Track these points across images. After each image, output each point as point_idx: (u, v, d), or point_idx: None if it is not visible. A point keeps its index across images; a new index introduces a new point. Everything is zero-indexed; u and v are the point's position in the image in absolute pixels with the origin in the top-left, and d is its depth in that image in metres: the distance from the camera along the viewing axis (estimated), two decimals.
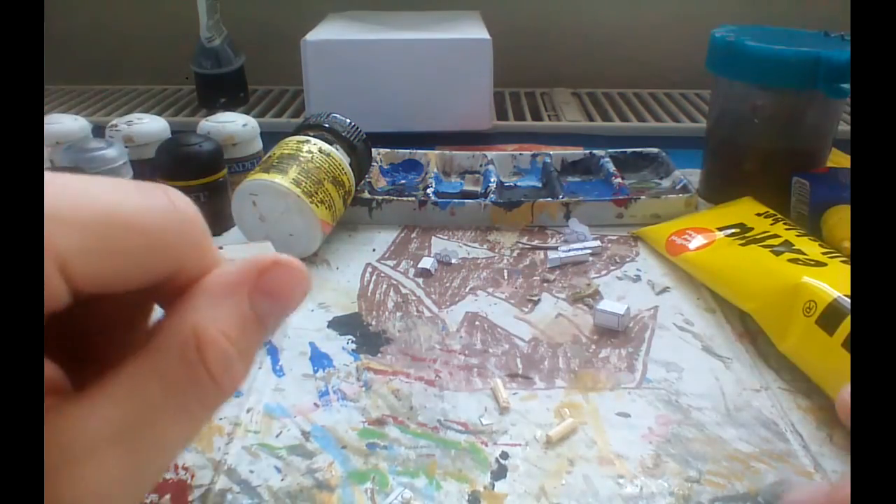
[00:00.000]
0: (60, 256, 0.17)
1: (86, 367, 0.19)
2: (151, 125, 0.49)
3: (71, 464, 0.17)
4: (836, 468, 0.27)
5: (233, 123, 0.49)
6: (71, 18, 0.94)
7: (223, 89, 0.78)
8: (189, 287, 0.20)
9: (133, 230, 0.18)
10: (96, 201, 0.18)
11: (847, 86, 0.44)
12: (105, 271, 0.18)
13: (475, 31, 0.69)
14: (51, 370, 0.19)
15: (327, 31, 0.69)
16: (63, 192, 0.17)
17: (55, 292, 0.17)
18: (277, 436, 0.29)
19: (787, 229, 0.40)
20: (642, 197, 0.48)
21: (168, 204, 0.19)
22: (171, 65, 0.91)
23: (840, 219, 0.42)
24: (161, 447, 0.19)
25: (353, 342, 0.35)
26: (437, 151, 0.56)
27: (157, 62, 0.94)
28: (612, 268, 0.42)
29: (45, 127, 0.48)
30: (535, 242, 0.46)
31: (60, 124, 0.48)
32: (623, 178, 0.52)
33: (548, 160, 0.55)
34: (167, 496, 0.26)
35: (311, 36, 0.66)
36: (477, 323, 0.37)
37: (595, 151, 0.56)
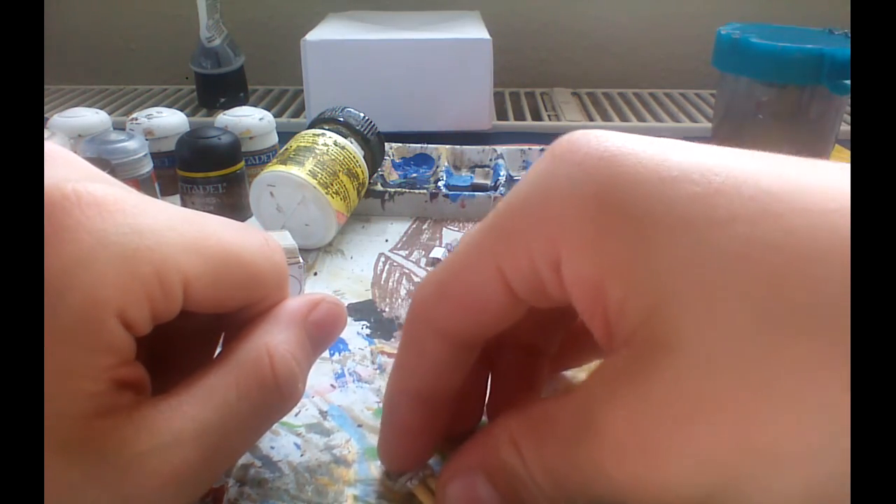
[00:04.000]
0: (186, 278, 0.20)
1: (161, 375, 0.21)
2: (171, 119, 0.50)
3: (159, 449, 0.19)
4: None
5: (250, 117, 0.51)
6: (71, 18, 0.95)
7: (223, 89, 0.79)
8: (255, 319, 0.23)
9: (238, 264, 0.22)
10: (216, 237, 0.22)
11: (850, 82, 0.45)
12: (212, 294, 0.21)
13: (475, 31, 0.70)
14: (139, 372, 0.20)
15: (327, 31, 0.70)
16: (192, 227, 0.21)
17: (175, 306, 0.20)
18: (296, 415, 0.30)
19: None
20: None
21: (264, 244, 0.23)
22: (171, 65, 0.92)
23: None
24: (232, 444, 0.22)
25: (367, 327, 0.37)
26: (447, 146, 0.57)
27: (157, 62, 0.95)
28: None
29: (68, 121, 0.49)
30: None
31: (83, 118, 0.49)
32: None
33: None
34: None
35: (311, 36, 0.67)
36: None
37: None
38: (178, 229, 0.20)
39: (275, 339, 0.22)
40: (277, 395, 0.22)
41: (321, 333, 0.24)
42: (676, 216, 0.17)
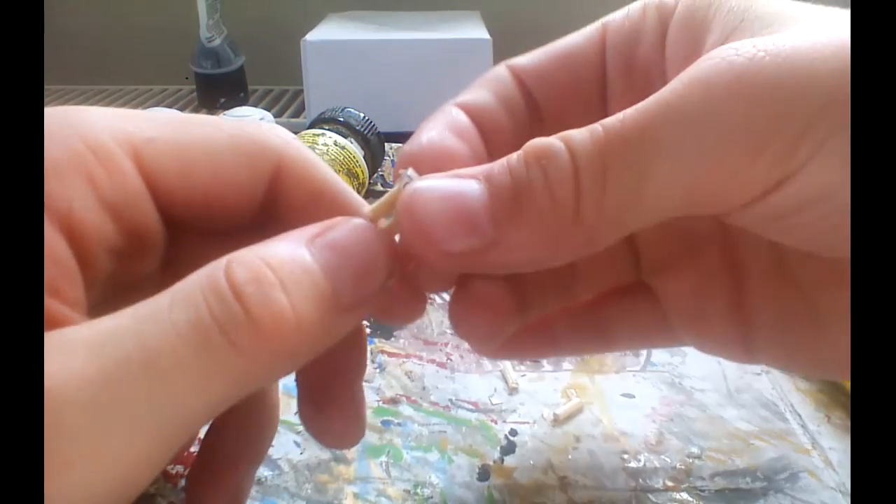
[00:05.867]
0: (133, 145, 0.17)
1: None
2: None
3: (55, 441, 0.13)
4: (833, 445, 0.28)
5: (250, 117, 0.51)
6: (71, 18, 0.95)
7: (223, 89, 0.79)
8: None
9: (202, 119, 0.18)
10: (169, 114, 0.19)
11: None
12: (182, 162, 0.17)
13: (475, 31, 0.70)
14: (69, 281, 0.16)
15: (327, 31, 0.70)
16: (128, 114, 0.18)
17: (129, 182, 0.17)
18: (296, 413, 0.30)
19: None
20: None
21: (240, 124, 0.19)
22: (171, 65, 0.91)
23: None
24: (174, 406, 0.14)
25: (367, 327, 0.37)
26: None
27: (157, 62, 0.95)
28: None
29: None
30: None
31: None
32: None
33: None
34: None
35: (311, 36, 0.67)
36: None
37: None
38: (112, 110, 0.18)
39: (244, 250, 0.15)
40: (244, 318, 0.14)
41: (337, 255, 0.16)
42: None
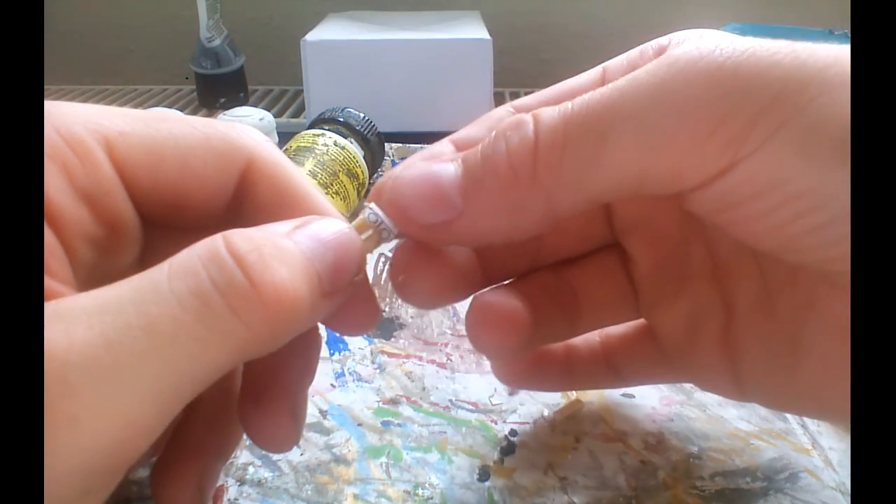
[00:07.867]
0: (106, 137, 0.17)
1: None
2: None
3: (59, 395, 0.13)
4: (833, 445, 0.28)
5: (250, 117, 0.51)
6: (71, 18, 0.95)
7: (223, 89, 0.79)
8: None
9: (176, 117, 0.19)
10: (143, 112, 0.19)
11: None
12: (151, 159, 0.18)
13: (475, 31, 0.70)
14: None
15: (327, 31, 0.70)
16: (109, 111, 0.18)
17: (101, 173, 0.17)
18: None
19: None
20: None
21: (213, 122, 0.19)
22: (171, 65, 0.91)
23: None
24: (175, 371, 0.14)
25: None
26: None
27: (157, 62, 0.95)
28: None
29: None
30: None
31: None
32: None
33: None
34: None
35: (311, 36, 0.67)
36: None
37: None
38: (87, 106, 0.18)
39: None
40: (246, 285, 0.15)
41: (316, 242, 0.17)
42: None
